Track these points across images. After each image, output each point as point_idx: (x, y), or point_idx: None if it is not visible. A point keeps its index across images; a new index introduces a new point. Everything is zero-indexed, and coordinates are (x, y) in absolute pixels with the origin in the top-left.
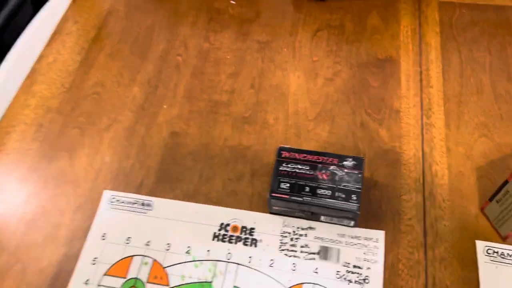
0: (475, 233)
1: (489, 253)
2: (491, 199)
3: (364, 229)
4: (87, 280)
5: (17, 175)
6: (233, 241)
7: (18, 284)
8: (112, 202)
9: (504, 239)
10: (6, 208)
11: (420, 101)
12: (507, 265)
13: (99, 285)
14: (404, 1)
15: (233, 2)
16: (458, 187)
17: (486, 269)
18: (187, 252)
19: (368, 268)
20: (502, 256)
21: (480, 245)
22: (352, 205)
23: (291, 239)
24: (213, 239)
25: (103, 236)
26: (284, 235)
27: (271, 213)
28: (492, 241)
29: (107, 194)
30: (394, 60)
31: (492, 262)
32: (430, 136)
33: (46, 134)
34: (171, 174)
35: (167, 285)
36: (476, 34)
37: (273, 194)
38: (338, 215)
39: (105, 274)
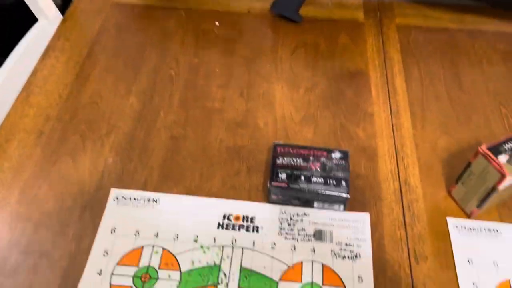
0: (445, 212)
1: (458, 228)
2: (457, 181)
3: (351, 213)
4: (100, 271)
5: (21, 180)
6: (236, 228)
7: (31, 279)
8: (119, 199)
9: (469, 216)
10: (12, 210)
11: (389, 106)
12: (473, 236)
13: (112, 274)
14: (369, 24)
15: (217, 24)
16: (427, 175)
17: (457, 240)
18: (195, 240)
19: (358, 245)
20: (469, 229)
21: (450, 221)
22: (343, 190)
23: (289, 224)
24: (217, 228)
25: (113, 230)
26: (282, 221)
27: (269, 202)
28: (460, 217)
29: (114, 192)
30: (364, 72)
31: (461, 234)
32: (400, 134)
33: (47, 141)
34: (173, 174)
35: (178, 270)
36: (430, 51)
37: (273, 183)
38: (330, 200)
39: (117, 264)
